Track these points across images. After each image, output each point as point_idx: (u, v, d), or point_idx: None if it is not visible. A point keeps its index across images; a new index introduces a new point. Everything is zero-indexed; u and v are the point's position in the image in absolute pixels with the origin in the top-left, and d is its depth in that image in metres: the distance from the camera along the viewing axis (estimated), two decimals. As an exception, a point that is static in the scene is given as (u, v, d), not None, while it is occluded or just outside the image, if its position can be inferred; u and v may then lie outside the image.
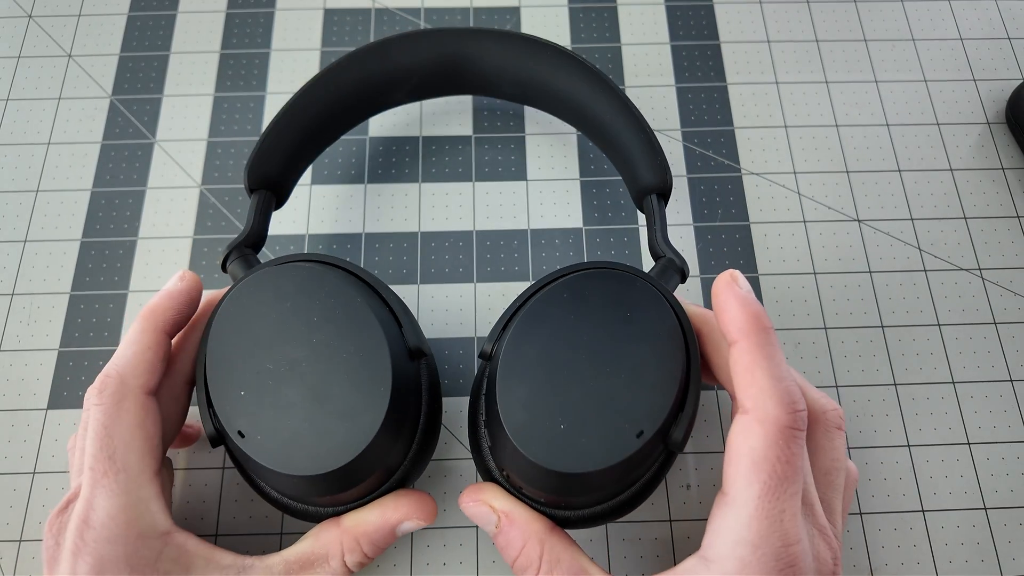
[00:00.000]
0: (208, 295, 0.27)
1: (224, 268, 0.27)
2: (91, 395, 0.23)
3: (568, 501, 0.24)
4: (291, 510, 0.25)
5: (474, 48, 0.33)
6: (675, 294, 0.26)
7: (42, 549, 0.23)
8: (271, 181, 0.30)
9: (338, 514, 0.24)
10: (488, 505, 0.24)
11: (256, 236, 0.28)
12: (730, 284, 0.22)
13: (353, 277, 0.25)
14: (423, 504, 0.24)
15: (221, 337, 0.24)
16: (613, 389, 0.22)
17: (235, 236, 0.28)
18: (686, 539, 0.29)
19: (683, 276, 0.27)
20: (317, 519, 0.25)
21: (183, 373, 0.26)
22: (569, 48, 0.35)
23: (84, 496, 0.22)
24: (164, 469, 0.25)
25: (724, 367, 0.24)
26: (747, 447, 0.20)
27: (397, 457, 0.24)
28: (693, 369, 0.23)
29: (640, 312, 0.24)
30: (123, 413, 0.23)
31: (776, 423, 0.20)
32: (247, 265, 0.27)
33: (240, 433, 0.22)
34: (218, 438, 0.23)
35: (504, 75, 0.33)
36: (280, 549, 0.28)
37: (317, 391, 0.23)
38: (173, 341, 0.26)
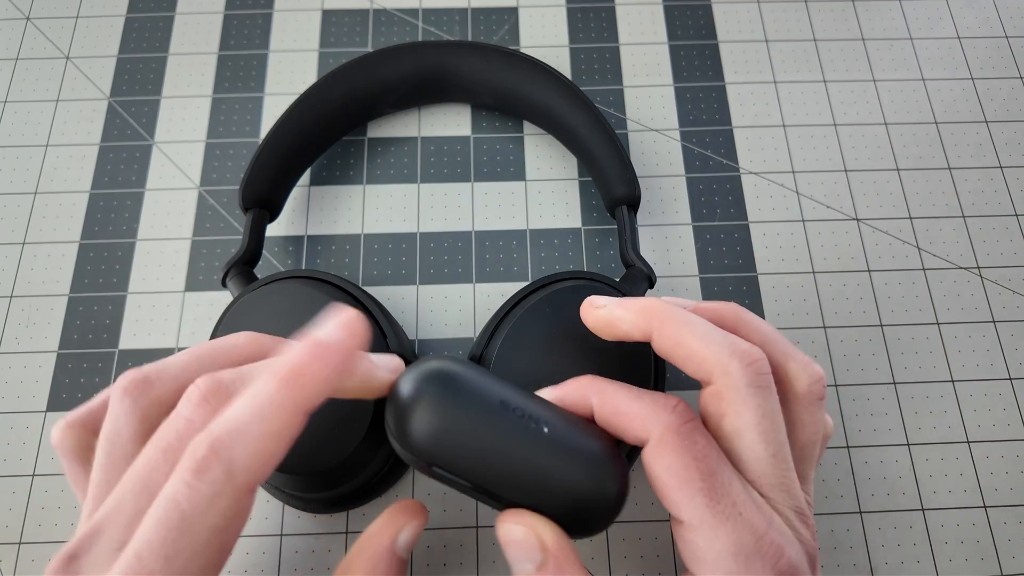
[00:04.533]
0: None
1: (224, 284, 0.29)
2: (185, 467, 0.18)
3: None
4: (296, 500, 0.28)
5: (454, 60, 0.34)
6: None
7: None
8: (264, 199, 0.32)
9: (339, 501, 0.28)
10: (538, 537, 0.20)
11: (252, 252, 0.30)
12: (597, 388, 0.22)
13: (341, 292, 0.28)
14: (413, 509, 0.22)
15: None
16: None
17: (233, 252, 0.29)
18: (686, 538, 0.29)
19: (651, 283, 0.30)
20: (318, 510, 0.29)
21: None
22: (566, 46, 0.35)
23: None
24: None
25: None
26: (663, 467, 0.20)
27: (383, 454, 0.27)
28: (659, 370, 0.27)
29: None
30: (211, 513, 0.17)
31: (666, 429, 0.20)
32: (245, 281, 0.29)
33: None
34: None
35: (484, 86, 0.35)
36: (280, 550, 0.28)
37: None
38: None
